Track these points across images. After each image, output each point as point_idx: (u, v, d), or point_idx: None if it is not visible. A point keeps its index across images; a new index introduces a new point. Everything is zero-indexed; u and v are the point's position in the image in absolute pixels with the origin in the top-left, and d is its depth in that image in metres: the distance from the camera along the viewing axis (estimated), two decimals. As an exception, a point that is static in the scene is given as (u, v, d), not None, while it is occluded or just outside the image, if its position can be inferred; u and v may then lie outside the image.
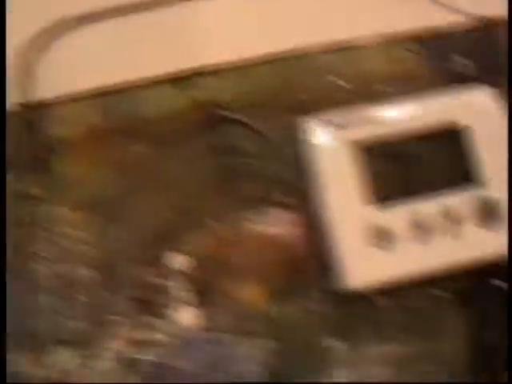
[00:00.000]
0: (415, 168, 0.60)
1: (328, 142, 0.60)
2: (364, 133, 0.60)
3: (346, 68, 0.69)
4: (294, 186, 0.63)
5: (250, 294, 0.61)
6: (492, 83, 0.66)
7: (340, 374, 0.60)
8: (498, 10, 0.69)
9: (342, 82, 0.68)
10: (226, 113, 0.65)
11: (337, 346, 0.61)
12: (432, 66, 0.69)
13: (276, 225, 0.63)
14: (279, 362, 0.60)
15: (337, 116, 0.61)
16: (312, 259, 0.62)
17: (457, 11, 0.69)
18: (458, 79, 0.68)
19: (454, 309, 0.62)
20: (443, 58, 0.69)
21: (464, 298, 0.62)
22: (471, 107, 0.63)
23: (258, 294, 0.62)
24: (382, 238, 0.57)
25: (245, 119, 0.65)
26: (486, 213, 0.58)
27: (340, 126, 0.60)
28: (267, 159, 0.65)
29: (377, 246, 0.57)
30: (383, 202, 0.60)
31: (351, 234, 0.58)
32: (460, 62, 0.70)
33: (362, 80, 0.68)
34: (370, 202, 0.59)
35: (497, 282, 0.62)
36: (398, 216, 0.59)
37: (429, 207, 0.60)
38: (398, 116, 0.62)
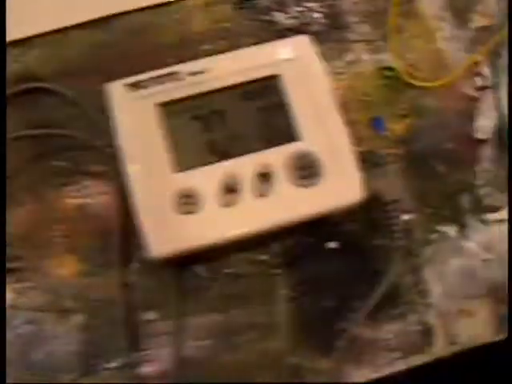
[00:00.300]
0: (228, 127, 0.56)
1: (133, 106, 0.56)
2: (173, 94, 0.57)
3: (167, 28, 0.66)
4: (107, 154, 0.59)
5: (65, 269, 0.59)
6: (314, 34, 0.64)
7: (160, 351, 0.58)
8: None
9: (161, 42, 0.65)
10: (39, 83, 0.60)
11: (156, 318, 0.58)
12: (254, 21, 0.66)
13: (90, 196, 0.61)
14: (95, 338, 0.58)
15: (146, 77, 0.56)
16: (127, 230, 0.56)
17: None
18: (280, 33, 0.65)
19: (279, 273, 0.60)
20: (264, 12, 0.66)
21: (289, 261, 0.58)
22: (287, 60, 0.60)
23: (73, 269, 0.60)
24: (190, 203, 0.53)
25: (58, 88, 0.60)
26: (303, 169, 0.54)
27: (147, 88, 0.56)
28: (81, 128, 0.61)
29: (184, 212, 0.53)
30: (191, 165, 0.57)
31: (156, 201, 0.55)
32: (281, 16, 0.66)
33: (184, 39, 0.65)
34: (177, 167, 0.57)
35: (330, 244, 0.61)
36: (206, 179, 0.56)
37: (241, 167, 0.57)
38: (211, 74, 0.56)
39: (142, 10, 0.64)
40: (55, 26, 0.63)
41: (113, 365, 0.57)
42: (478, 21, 0.65)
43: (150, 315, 0.58)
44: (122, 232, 0.59)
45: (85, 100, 0.62)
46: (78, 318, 0.58)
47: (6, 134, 0.58)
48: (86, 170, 0.61)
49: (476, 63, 0.64)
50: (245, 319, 0.58)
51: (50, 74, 0.63)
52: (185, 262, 0.58)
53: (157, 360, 0.57)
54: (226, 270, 0.59)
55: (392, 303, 0.58)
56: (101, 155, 0.60)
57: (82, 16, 0.63)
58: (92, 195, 0.60)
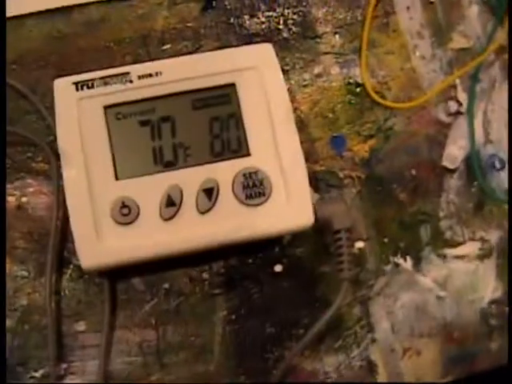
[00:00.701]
0: (176, 136, 0.53)
1: (78, 105, 0.53)
2: (120, 96, 0.53)
3: (127, 23, 0.62)
4: (49, 152, 0.56)
5: None
6: (283, 42, 0.63)
7: (87, 363, 0.56)
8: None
9: (120, 38, 0.62)
10: None
11: (85, 329, 0.57)
12: (221, 23, 0.63)
13: (29, 195, 0.59)
14: (22, 344, 0.56)
15: (95, 76, 0.53)
16: (63, 235, 0.53)
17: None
18: (246, 38, 0.63)
19: (219, 293, 0.58)
20: (233, 15, 0.63)
21: (231, 281, 0.56)
22: (245, 68, 0.56)
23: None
24: (128, 213, 0.49)
25: (8, 79, 0.56)
26: (250, 187, 0.50)
27: (95, 88, 0.53)
28: (28, 123, 0.60)
29: (121, 222, 0.50)
30: (133, 173, 0.54)
31: (92, 208, 0.52)
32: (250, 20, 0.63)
33: (144, 37, 0.62)
34: (119, 174, 0.53)
35: (275, 267, 0.59)
36: (148, 190, 0.53)
37: (185, 180, 0.54)
38: (163, 78, 0.53)
39: (103, 2, 0.59)
40: (12, 13, 0.58)
41: (38, 373, 0.55)
42: (458, 42, 0.61)
43: (80, 326, 0.56)
44: (57, 236, 0.55)
45: (35, 94, 0.59)
46: (7, 323, 0.55)
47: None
48: (27, 167, 0.58)
49: (451, 86, 0.59)
50: (178, 338, 0.56)
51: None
52: (120, 273, 0.55)
53: (83, 372, 0.55)
54: (164, 285, 0.54)
55: (335, 334, 0.55)
56: (43, 153, 0.55)
57: (41, 4, 0.58)
58: (31, 194, 0.58)
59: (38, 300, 0.56)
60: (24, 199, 0.58)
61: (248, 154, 0.54)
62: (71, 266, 0.56)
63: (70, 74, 0.54)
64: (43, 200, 0.58)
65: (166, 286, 0.57)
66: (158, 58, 0.56)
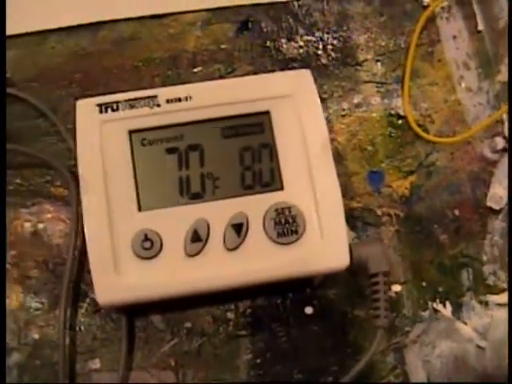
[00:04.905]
0: (204, 165, 0.49)
1: (101, 129, 0.49)
2: (147, 121, 0.51)
3: (157, 43, 0.60)
4: (69, 177, 0.54)
5: (8, 301, 0.54)
6: (321, 68, 0.60)
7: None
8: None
9: (149, 58, 0.60)
10: (8, 89, 0.53)
11: (100, 368, 0.53)
12: (257, 46, 0.60)
13: (46, 221, 0.56)
14: (31, 381, 0.52)
15: (120, 99, 0.49)
16: (80, 265, 0.50)
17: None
18: (283, 63, 0.59)
19: (245, 334, 0.54)
20: (269, 38, 0.60)
21: (257, 322, 0.53)
22: (281, 96, 0.53)
23: (16, 302, 0.55)
24: (150, 247, 0.45)
25: (28, 97, 0.55)
26: (282, 224, 0.46)
27: (120, 111, 0.50)
28: (48, 144, 0.57)
29: (142, 256, 0.46)
30: (158, 205, 0.50)
31: (112, 240, 0.48)
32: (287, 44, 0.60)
33: (174, 57, 0.60)
34: (142, 204, 0.50)
35: (306, 309, 0.55)
36: (173, 223, 0.50)
37: (213, 214, 0.50)
38: (193, 103, 0.50)
39: (133, 19, 0.55)
40: (35, 28, 0.56)
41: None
42: (506, 74, 0.56)
43: (94, 364, 0.52)
44: (74, 266, 0.53)
45: (56, 113, 0.56)
46: (16, 357, 0.52)
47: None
48: (45, 191, 0.56)
49: (498, 121, 0.55)
50: (198, 381, 0.52)
51: (22, 79, 0.58)
52: (139, 310, 0.52)
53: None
54: (186, 325, 0.51)
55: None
56: (63, 177, 0.52)
57: (66, 20, 0.56)
58: (48, 220, 0.55)
59: (50, 334, 0.53)
60: (40, 225, 0.55)
61: (281, 188, 0.50)
62: (87, 300, 0.53)
63: (94, 95, 0.51)
64: (61, 227, 0.55)
65: (188, 325, 0.54)
66: (189, 81, 0.54)
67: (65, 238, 0.54)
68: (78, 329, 0.53)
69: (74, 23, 0.57)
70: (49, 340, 0.53)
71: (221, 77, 0.57)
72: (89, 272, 0.48)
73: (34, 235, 0.54)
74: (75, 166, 0.50)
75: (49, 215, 0.55)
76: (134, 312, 0.52)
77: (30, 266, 0.54)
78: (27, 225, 0.54)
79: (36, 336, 0.53)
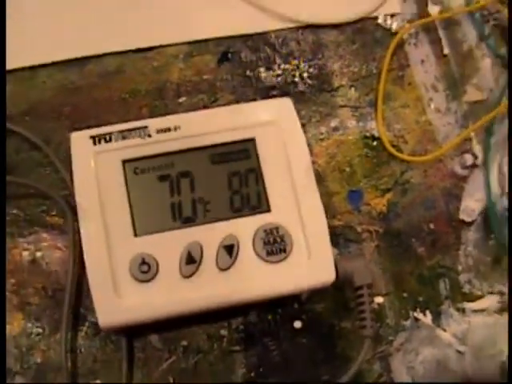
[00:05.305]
0: (195, 191, 0.52)
1: (96, 159, 0.52)
2: (139, 151, 0.53)
3: (143, 75, 0.63)
4: (65, 206, 0.55)
5: (10, 327, 0.56)
6: (299, 95, 0.63)
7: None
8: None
9: (135, 90, 0.63)
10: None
11: None
12: (237, 76, 0.63)
13: (44, 249, 0.58)
14: None
15: (112, 130, 0.52)
16: (79, 291, 0.52)
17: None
18: (263, 91, 0.63)
19: (238, 350, 0.56)
20: (249, 68, 0.63)
21: (250, 338, 0.56)
22: (265, 123, 0.56)
23: (18, 328, 0.56)
24: (147, 270, 0.48)
25: (21, 131, 0.57)
26: (270, 243, 0.49)
27: (112, 142, 0.52)
28: (42, 176, 0.59)
29: (139, 279, 0.49)
30: (152, 229, 0.53)
31: (110, 264, 0.50)
32: (266, 73, 0.63)
33: (159, 89, 0.62)
34: (137, 230, 0.53)
35: (295, 323, 0.57)
36: (167, 246, 0.52)
37: (205, 236, 0.53)
38: (181, 132, 0.52)
39: (119, 53, 0.58)
40: (25, 63, 0.58)
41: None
42: (472, 94, 0.60)
43: (93, 386, 0.51)
44: (73, 292, 0.54)
45: (49, 145, 0.58)
46: (19, 381, 0.53)
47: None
48: (41, 220, 0.57)
49: (467, 139, 0.59)
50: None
51: (16, 113, 0.60)
52: (138, 330, 0.54)
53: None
54: (182, 343, 0.53)
55: (355, 392, 0.52)
56: (58, 207, 0.54)
57: (55, 55, 0.58)
58: (45, 249, 0.57)
59: (52, 358, 0.54)
60: (38, 254, 0.57)
61: (268, 210, 0.53)
62: (87, 323, 0.55)
63: (85, 127, 0.54)
64: (58, 255, 0.57)
65: (184, 343, 0.56)
66: (175, 111, 0.56)
67: (62, 265, 0.55)
68: (78, 352, 0.54)
69: (62, 58, 0.59)
70: (51, 363, 0.54)
71: (205, 106, 0.60)
72: (87, 297, 0.50)
73: (33, 263, 0.55)
74: (70, 195, 0.53)
75: (46, 243, 0.56)
76: (133, 333, 0.54)
77: (29, 293, 0.55)
78: (25, 253, 0.56)
79: (38, 360, 0.54)
